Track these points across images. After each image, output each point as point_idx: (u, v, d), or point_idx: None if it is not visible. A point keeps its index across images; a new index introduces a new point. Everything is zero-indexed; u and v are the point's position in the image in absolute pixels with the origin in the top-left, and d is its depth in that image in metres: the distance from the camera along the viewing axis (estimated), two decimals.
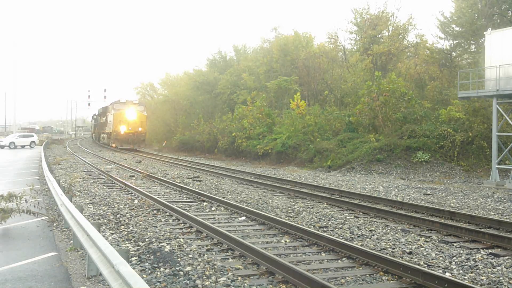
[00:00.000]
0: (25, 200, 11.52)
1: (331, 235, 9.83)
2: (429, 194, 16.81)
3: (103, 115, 58.06)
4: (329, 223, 11.41)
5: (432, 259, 8.28)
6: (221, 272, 7.33)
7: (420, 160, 25.66)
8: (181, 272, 7.26)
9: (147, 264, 7.73)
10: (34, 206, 11.59)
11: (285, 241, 9.53)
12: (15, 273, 7.50)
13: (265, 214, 11.77)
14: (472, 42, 35.04)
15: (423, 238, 9.94)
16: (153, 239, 9.34)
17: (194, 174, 23.93)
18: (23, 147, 55.61)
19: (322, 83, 42.76)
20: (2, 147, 54.37)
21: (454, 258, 8.40)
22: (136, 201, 14.50)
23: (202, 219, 11.08)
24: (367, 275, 7.36)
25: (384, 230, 10.62)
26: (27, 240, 9.86)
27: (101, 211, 12.71)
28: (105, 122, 54.35)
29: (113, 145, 48.63)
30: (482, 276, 7.40)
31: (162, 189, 17.71)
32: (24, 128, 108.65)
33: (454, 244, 9.50)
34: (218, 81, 54.13)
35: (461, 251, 8.89)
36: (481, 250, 9.04)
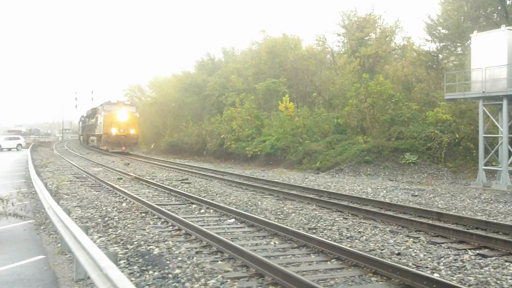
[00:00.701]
0: (12, 203, 11.40)
1: (320, 236, 9.84)
2: (417, 195, 16.92)
3: (92, 117, 55.47)
4: (318, 224, 11.43)
5: (420, 260, 8.33)
6: (211, 275, 7.30)
7: (408, 161, 25.84)
8: (170, 275, 7.22)
9: (135, 267, 7.67)
10: (21, 209, 11.48)
11: (275, 243, 9.53)
12: (2, 277, 7.41)
13: (254, 216, 11.76)
14: (458, 44, 35.36)
15: (411, 239, 9.99)
16: (142, 242, 9.28)
17: (183, 176, 23.86)
18: (9, 149, 55.03)
19: (310, 85, 42.89)
20: None
21: (442, 259, 8.46)
22: (124, 204, 14.41)
23: (191, 221, 11.04)
24: (356, 276, 7.38)
25: (373, 232, 10.66)
26: (14, 243, 9.74)
27: (89, 214, 12.61)
28: (95, 124, 51.80)
29: (104, 147, 46.25)
30: (470, 276, 7.45)
31: (150, 192, 17.62)
32: (10, 131, 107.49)
33: (442, 245, 9.56)
34: (207, 83, 54.07)
35: (449, 252, 8.95)
36: (469, 250, 9.11)
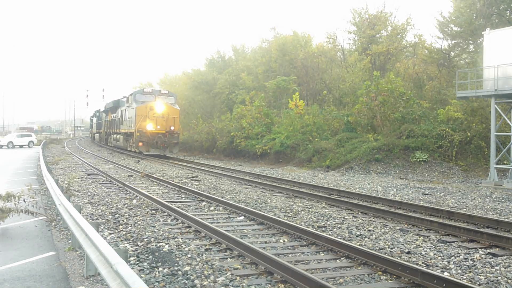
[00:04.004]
0: (23, 200, 11.50)
1: (329, 234, 9.83)
2: (427, 194, 16.83)
3: (114, 110, 46.44)
4: (328, 222, 11.42)
5: (430, 259, 8.29)
6: (220, 272, 7.32)
7: (418, 159, 25.69)
8: (180, 272, 7.26)
9: (145, 263, 7.72)
10: (33, 206, 11.57)
11: (284, 241, 9.53)
12: (13, 273, 7.49)
13: (263, 213, 11.76)
14: (470, 42, 35.10)
15: (421, 237, 9.94)
16: (152, 239, 9.33)
17: (193, 173, 23.92)
18: (21, 146, 55.57)
19: (320, 83, 42.81)
20: (1, 146, 54.32)
21: (453, 257, 8.41)
22: (134, 201, 14.48)
23: (201, 218, 11.07)
24: (366, 275, 7.36)
25: (383, 230, 10.62)
26: (25, 240, 9.84)
27: (100, 211, 12.69)
28: (120, 119, 42.37)
29: (140, 144, 35.68)
30: (480, 275, 7.41)
31: (160, 189, 17.69)
32: (22, 128, 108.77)
33: (453, 243, 9.51)
34: (217, 80, 54.15)
35: (460, 251, 8.90)
36: (480, 249, 9.05)
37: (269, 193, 16.87)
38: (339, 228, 10.81)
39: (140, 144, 35.44)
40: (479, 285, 6.99)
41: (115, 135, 45.64)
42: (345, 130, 32.06)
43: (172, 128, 36.10)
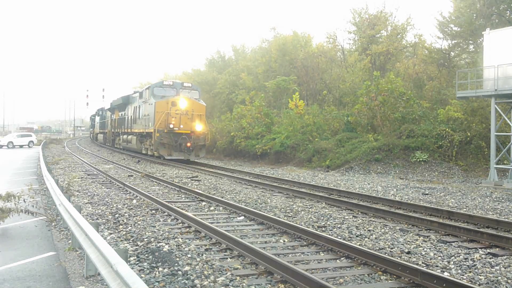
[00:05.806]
0: (24, 200, 11.49)
1: (329, 234, 9.83)
2: (427, 194, 16.82)
3: (123, 108, 41.27)
4: (328, 222, 11.41)
5: (430, 259, 8.29)
6: (220, 272, 7.32)
7: (418, 159, 25.69)
8: (180, 272, 7.25)
9: (145, 263, 7.72)
10: (33, 206, 11.56)
11: (284, 241, 9.53)
12: (14, 273, 7.49)
13: (263, 213, 11.75)
14: (470, 42, 35.12)
15: (421, 237, 9.94)
16: (152, 239, 9.33)
17: (193, 174, 23.91)
18: (21, 146, 55.59)
19: (320, 83, 42.83)
20: (1, 146, 54.33)
21: (453, 257, 8.41)
22: (134, 201, 14.48)
23: (201, 218, 11.07)
24: (366, 275, 7.36)
25: (383, 230, 10.62)
26: (25, 239, 9.84)
27: (100, 211, 12.69)
28: (133, 117, 36.80)
29: (160, 143, 29.75)
30: (480, 275, 7.40)
31: (160, 189, 17.69)
32: (22, 128, 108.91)
33: (453, 243, 9.50)
34: (217, 80, 54.25)
35: (460, 251, 8.90)
36: (480, 249, 9.05)
37: (269, 193, 16.86)
38: (339, 228, 10.81)
39: (161, 143, 29.81)
40: (479, 285, 6.99)
41: (125, 136, 39.92)
42: (345, 130, 32.07)
43: (198, 127, 30.36)
